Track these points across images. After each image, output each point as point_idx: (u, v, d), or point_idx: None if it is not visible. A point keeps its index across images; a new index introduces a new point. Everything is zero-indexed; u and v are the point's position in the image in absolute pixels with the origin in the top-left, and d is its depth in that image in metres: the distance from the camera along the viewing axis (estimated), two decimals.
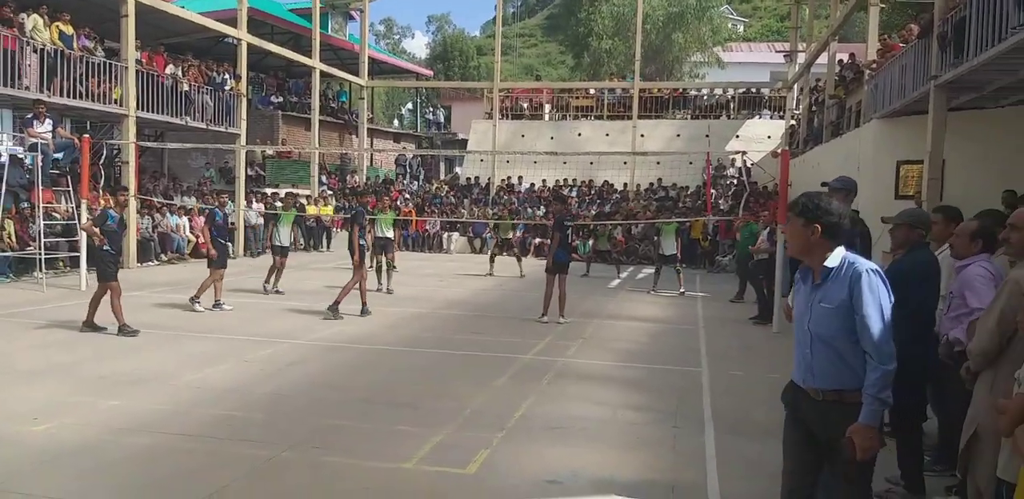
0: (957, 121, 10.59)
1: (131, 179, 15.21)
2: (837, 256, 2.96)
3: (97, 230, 8.72)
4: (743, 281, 12.91)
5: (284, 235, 12.76)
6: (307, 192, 21.36)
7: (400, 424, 5.58)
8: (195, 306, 10.46)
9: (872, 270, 2.90)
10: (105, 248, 8.70)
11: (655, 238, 20.32)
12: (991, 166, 10.93)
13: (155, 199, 16.84)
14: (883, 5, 17.51)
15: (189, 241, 17.17)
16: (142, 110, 15.95)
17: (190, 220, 17.49)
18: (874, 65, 13.51)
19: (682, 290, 13.85)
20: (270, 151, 22.46)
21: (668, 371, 7.73)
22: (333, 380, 6.93)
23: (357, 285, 10.32)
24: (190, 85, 17.69)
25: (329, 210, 20.32)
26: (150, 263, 15.85)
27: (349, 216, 10.53)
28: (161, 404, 5.91)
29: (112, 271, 8.63)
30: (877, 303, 2.86)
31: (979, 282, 3.75)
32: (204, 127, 18.21)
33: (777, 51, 31.86)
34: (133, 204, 15.18)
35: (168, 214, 16.94)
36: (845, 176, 6.25)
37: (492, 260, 16.49)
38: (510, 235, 19.80)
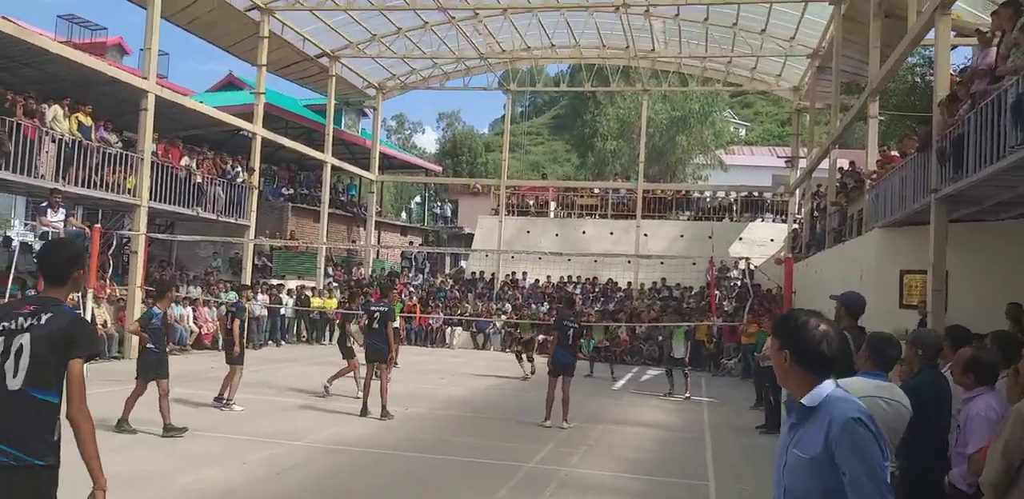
0: (959, 232, 10.71)
1: (139, 269, 15.31)
2: (819, 393, 2.41)
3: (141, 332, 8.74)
4: (759, 388, 12.70)
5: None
6: (313, 284, 21.45)
7: None
8: (232, 407, 10.19)
9: (858, 418, 2.30)
10: (149, 346, 8.60)
11: (660, 339, 20.31)
12: (995, 278, 10.96)
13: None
14: (882, 117, 18.18)
15: (192, 332, 17.08)
16: (154, 200, 16.27)
17: (194, 310, 17.47)
18: (874, 175, 13.83)
19: (688, 394, 13.65)
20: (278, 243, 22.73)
21: (674, 484, 7.51)
22: (333, 485, 6.72)
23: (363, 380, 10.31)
24: (203, 177, 18.12)
25: (333, 303, 20.30)
26: None
27: (379, 313, 10.12)
28: None
29: (152, 370, 8.43)
30: (866, 463, 2.26)
31: (976, 422, 3.71)
32: (215, 218, 18.52)
33: (779, 156, 32.75)
34: (138, 294, 15.22)
35: (173, 304, 16.92)
36: (853, 291, 6.23)
37: (520, 359, 15.87)
38: (530, 334, 17.85)
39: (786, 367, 2.47)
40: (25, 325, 2.97)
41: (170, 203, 17.02)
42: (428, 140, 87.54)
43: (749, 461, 8.72)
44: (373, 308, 10.31)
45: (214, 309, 18.06)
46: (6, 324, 2.99)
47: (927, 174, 10.08)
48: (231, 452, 7.73)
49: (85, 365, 3.10)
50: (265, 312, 18.81)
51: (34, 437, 2.95)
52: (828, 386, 2.43)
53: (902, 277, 12.02)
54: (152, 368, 8.45)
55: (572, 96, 47.30)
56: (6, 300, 12.90)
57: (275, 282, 20.74)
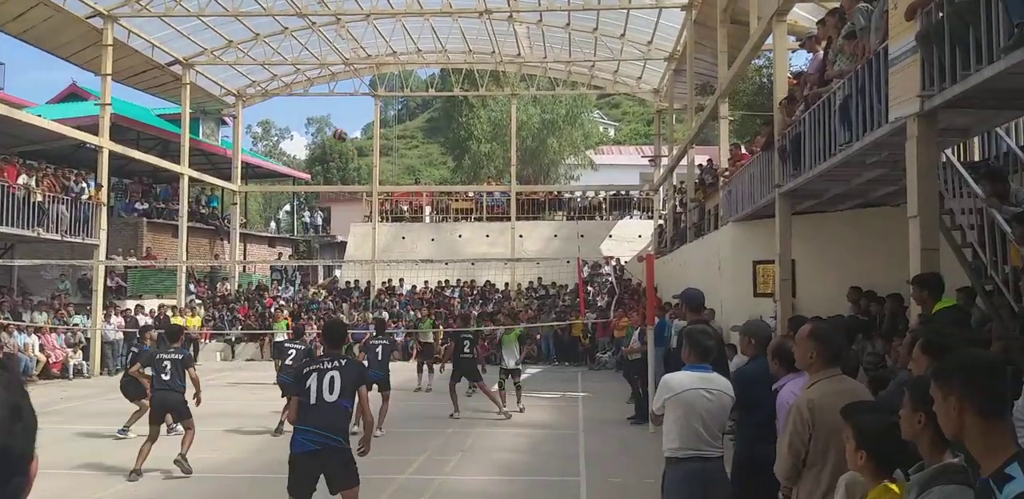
0: (804, 224, 11.42)
1: None
2: None
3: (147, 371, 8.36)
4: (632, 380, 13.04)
5: None
6: (173, 302, 20.35)
7: None
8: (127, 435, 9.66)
9: None
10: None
11: (538, 338, 20.59)
12: (837, 264, 11.75)
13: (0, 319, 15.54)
14: (732, 117, 19.13)
15: (38, 361, 15.83)
16: None
17: (40, 337, 16.21)
18: (727, 173, 14.54)
19: (521, 406, 12.03)
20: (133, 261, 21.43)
21: (548, 483, 7.58)
22: None
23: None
24: (44, 195, 16.82)
25: (197, 321, 19.35)
26: None
27: (381, 347, 10.53)
28: None
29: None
30: None
31: (784, 408, 3.91)
32: (59, 238, 17.22)
33: (643, 156, 33.89)
34: None
35: (16, 333, 15.64)
36: (691, 288, 6.63)
37: (421, 371, 14.52)
38: (431, 339, 16.74)
39: None
40: None
41: (7, 225, 15.69)
42: (297, 146, 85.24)
43: (620, 453, 8.94)
44: (374, 342, 10.75)
45: (62, 336, 16.84)
46: None
47: (771, 171, 10.67)
48: (76, 491, 7.17)
49: None
50: (120, 336, 17.66)
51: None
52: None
53: (755, 267, 12.67)
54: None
55: (445, 99, 47.14)
56: None
57: (132, 303, 19.51)
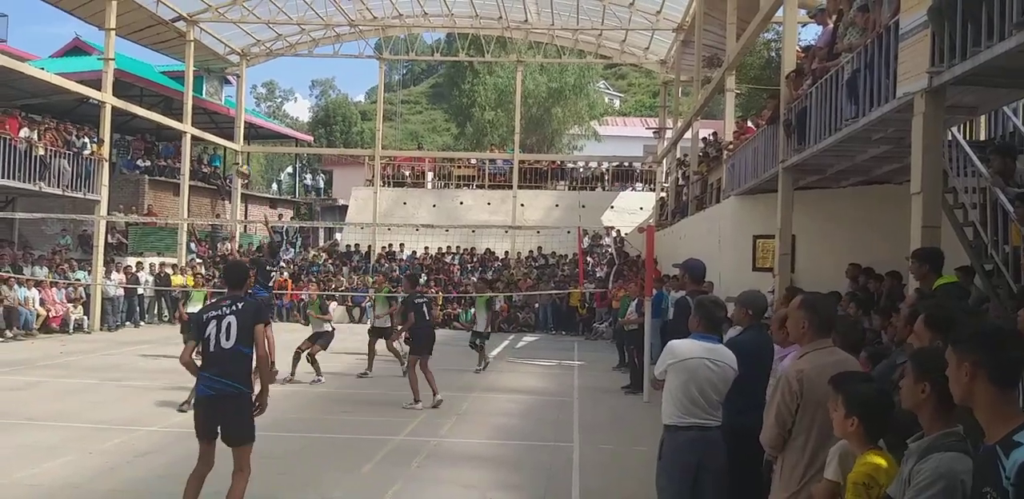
0: (805, 199, 11.41)
1: None
2: None
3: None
4: (622, 350, 13.18)
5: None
6: (173, 261, 20.40)
7: None
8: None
9: None
10: None
11: (537, 306, 20.72)
12: (837, 241, 11.77)
13: (1, 272, 15.58)
14: (739, 90, 18.97)
15: (39, 315, 15.93)
16: None
17: (40, 291, 16.30)
18: (731, 146, 14.48)
19: (482, 365, 12.91)
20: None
21: (541, 447, 7.69)
22: (185, 472, 6.46)
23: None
24: (46, 149, 16.75)
25: (190, 280, 19.41)
26: None
27: (424, 304, 10.16)
28: None
29: None
30: None
31: None
32: (60, 193, 17.20)
33: (648, 127, 33.66)
34: None
35: (16, 286, 15.71)
36: (693, 259, 6.69)
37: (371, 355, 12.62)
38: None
39: None
40: None
41: (9, 178, 15.67)
42: (301, 108, 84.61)
43: (612, 421, 9.06)
44: (419, 301, 10.23)
45: (63, 290, 16.93)
46: None
47: (776, 145, 10.63)
48: (76, 442, 7.29)
49: None
50: (121, 292, 17.77)
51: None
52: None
53: (755, 242, 12.69)
54: None
55: (450, 65, 46.57)
56: None
57: (132, 261, 19.58)
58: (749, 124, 14.89)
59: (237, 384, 4.80)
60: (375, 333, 12.52)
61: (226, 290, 5.32)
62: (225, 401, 4.82)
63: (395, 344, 12.22)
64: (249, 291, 6.35)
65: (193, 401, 5.13)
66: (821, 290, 9.54)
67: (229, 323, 4.82)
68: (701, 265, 6.53)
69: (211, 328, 4.84)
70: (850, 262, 10.69)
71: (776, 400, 3.41)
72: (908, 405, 2.50)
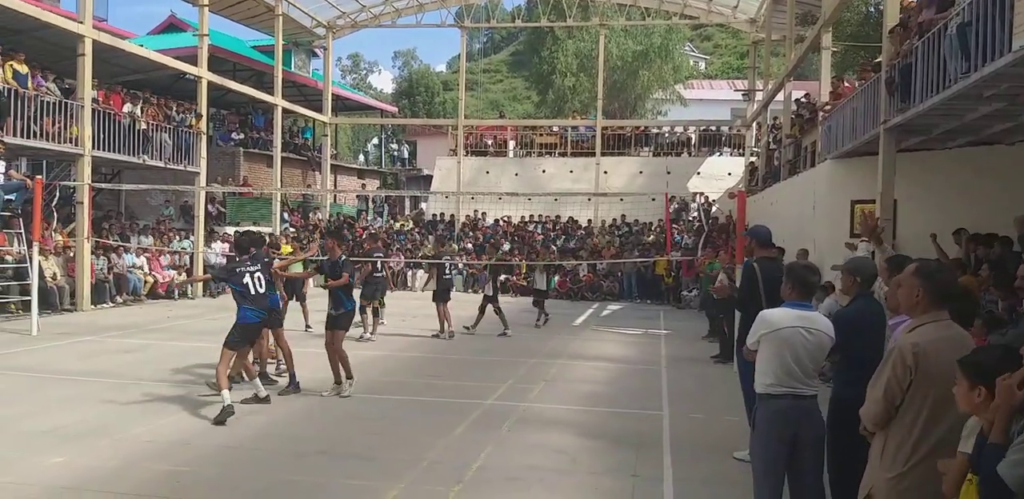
0: (908, 162, 10.86)
1: (85, 220, 14.92)
2: None
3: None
4: (712, 319, 12.98)
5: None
6: (269, 230, 21.13)
7: (356, 478, 5.46)
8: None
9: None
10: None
11: (620, 274, 20.59)
12: (941, 206, 11.19)
13: (110, 241, 16.47)
14: (835, 49, 18.08)
15: (146, 282, 16.83)
16: (98, 149, 15.71)
17: (148, 260, 17.19)
18: (827, 107, 13.86)
19: (544, 320, 14.33)
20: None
21: (629, 415, 7.69)
22: (289, 430, 6.77)
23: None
24: (148, 123, 17.51)
25: (288, 249, 20.07)
26: (105, 305, 15.47)
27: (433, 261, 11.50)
28: (107, 460, 5.71)
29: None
30: None
31: None
32: (162, 165, 18.01)
33: (736, 90, 32.58)
34: (87, 246, 14.89)
35: (124, 254, 16.62)
36: (758, 225, 6.58)
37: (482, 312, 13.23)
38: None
39: None
40: None
41: (115, 151, 16.47)
42: (385, 80, 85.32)
43: (702, 390, 8.96)
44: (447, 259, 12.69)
45: (168, 258, 17.81)
46: None
47: (877, 105, 10.11)
48: (187, 399, 7.72)
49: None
50: (224, 260, 18.53)
51: None
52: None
53: (853, 207, 12.20)
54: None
55: (530, 32, 46.06)
56: None
57: (231, 229, 20.39)
58: (846, 84, 14.19)
59: (273, 308, 8.24)
60: (486, 299, 13.31)
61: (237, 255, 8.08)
62: (271, 315, 8.08)
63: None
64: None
65: (251, 323, 7.54)
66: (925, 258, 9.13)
67: (259, 277, 7.53)
68: (767, 230, 6.44)
69: (247, 279, 7.42)
70: (956, 228, 10.16)
71: (886, 374, 3.15)
72: (965, 408, 2.39)
